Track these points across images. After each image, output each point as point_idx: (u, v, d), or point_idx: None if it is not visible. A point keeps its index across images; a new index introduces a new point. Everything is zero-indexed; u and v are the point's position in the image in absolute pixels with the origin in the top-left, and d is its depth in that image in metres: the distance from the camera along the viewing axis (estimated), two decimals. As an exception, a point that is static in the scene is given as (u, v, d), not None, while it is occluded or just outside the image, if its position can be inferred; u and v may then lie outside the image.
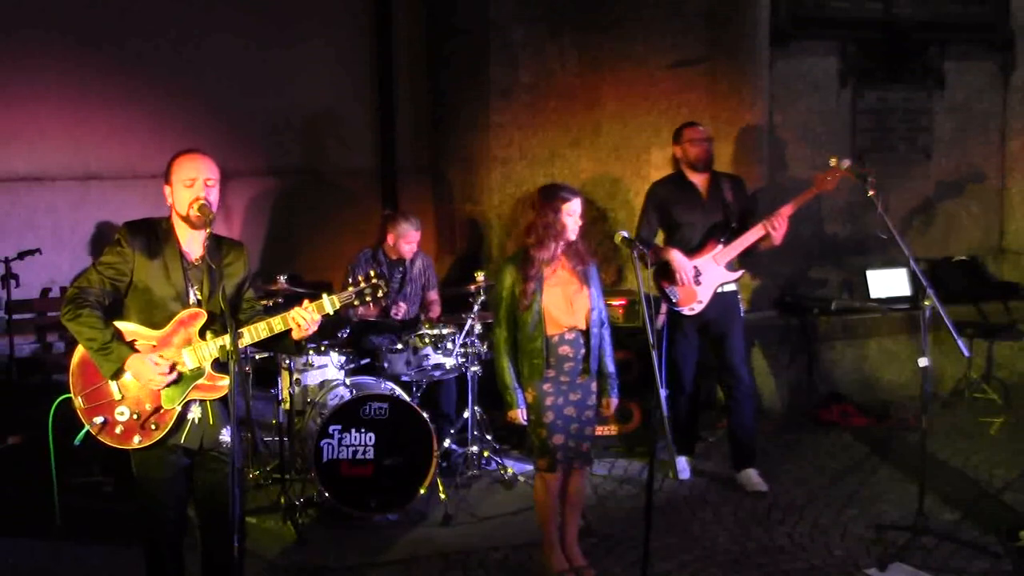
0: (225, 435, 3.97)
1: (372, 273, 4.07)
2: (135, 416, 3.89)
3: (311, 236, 8.03)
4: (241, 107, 7.84)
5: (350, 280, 4.04)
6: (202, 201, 3.87)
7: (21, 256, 6.80)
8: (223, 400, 3.98)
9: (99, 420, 3.89)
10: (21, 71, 7.22)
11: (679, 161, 6.17)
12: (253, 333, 3.94)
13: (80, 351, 3.92)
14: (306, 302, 3.96)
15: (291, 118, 8.09)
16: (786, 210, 5.85)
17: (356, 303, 4.03)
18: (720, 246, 5.98)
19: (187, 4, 7.68)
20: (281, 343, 4.07)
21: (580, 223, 4.75)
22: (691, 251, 6.00)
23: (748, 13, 7.61)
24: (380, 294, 4.03)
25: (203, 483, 4.05)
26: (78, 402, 3.92)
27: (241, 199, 7.94)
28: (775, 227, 5.83)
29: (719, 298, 6.01)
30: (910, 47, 8.39)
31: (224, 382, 3.93)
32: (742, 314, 6.22)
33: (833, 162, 5.71)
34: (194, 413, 3.96)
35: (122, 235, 3.92)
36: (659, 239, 6.25)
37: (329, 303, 3.95)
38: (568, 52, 7.74)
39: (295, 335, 3.98)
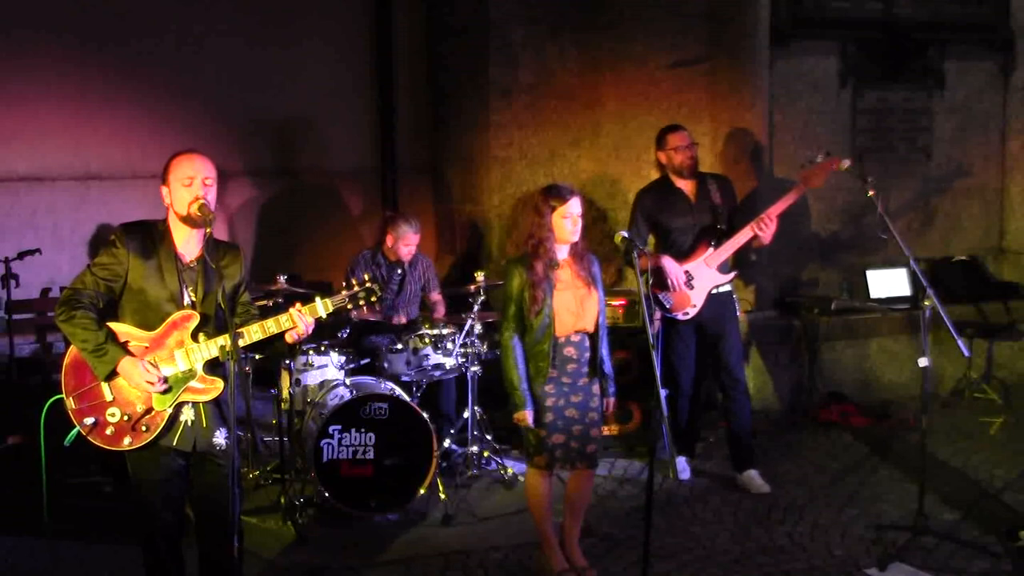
0: (219, 437, 3.96)
1: (367, 277, 4.07)
2: (126, 417, 3.90)
3: (310, 236, 8.03)
4: (241, 107, 7.83)
5: (343, 302, 4.03)
6: (201, 200, 3.87)
7: (21, 256, 6.79)
8: (216, 402, 3.98)
9: (90, 421, 3.90)
10: (21, 71, 7.22)
11: (663, 167, 6.11)
12: (246, 335, 3.93)
13: (72, 352, 3.92)
14: (299, 305, 3.96)
15: (291, 118, 8.09)
16: (774, 210, 5.83)
17: (349, 306, 4.02)
18: (711, 249, 5.95)
19: (187, 4, 7.68)
20: (273, 346, 4.07)
21: (581, 223, 4.73)
22: (682, 256, 5.98)
23: (748, 13, 7.60)
24: (373, 298, 4.03)
25: (199, 485, 4.05)
26: (69, 403, 3.92)
27: (241, 198, 7.94)
28: (762, 228, 5.80)
29: (714, 299, 5.99)
30: (910, 47, 8.39)
31: (216, 384, 3.93)
32: (738, 314, 6.20)
33: (819, 158, 5.68)
34: (186, 415, 3.95)
35: (117, 236, 3.92)
36: (650, 244, 6.22)
37: (322, 306, 3.96)
38: (568, 52, 7.74)
39: (288, 338, 3.98)
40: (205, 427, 3.96)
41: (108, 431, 3.90)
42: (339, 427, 5.54)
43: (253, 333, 3.93)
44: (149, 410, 3.90)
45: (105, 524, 5.39)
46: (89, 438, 3.92)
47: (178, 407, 3.93)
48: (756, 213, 6.12)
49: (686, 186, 6.05)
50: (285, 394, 6.04)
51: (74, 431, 3.94)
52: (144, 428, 3.90)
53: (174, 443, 3.94)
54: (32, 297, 7.16)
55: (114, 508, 5.53)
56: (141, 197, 7.17)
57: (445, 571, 5.04)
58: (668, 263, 5.91)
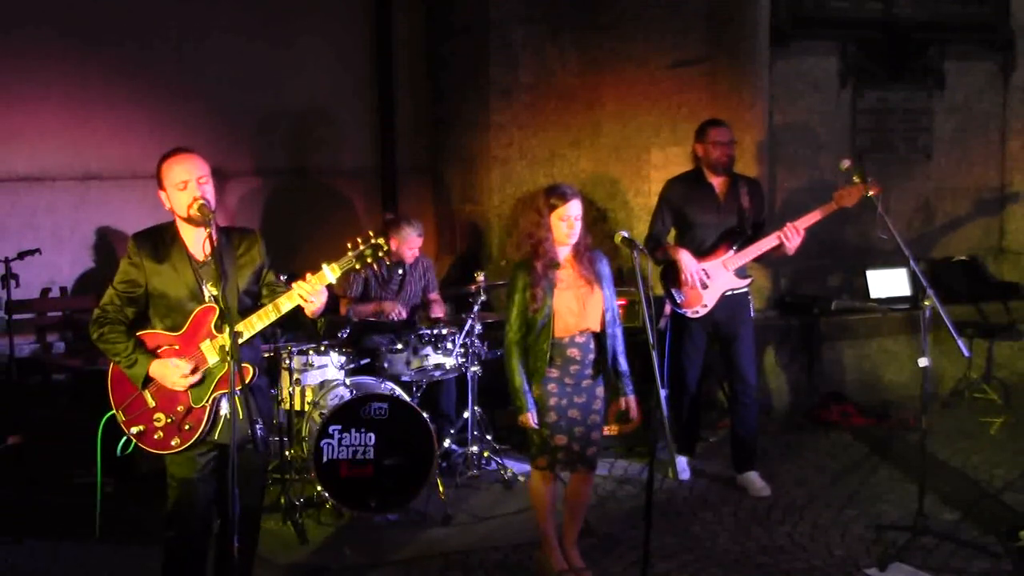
0: (257, 428, 4.00)
1: (370, 232, 4.05)
2: (170, 420, 3.98)
3: (311, 235, 8.01)
4: (241, 107, 7.83)
5: (351, 263, 4.02)
6: (200, 201, 3.90)
7: (21, 256, 6.79)
8: (250, 393, 4.00)
9: (137, 429, 4.00)
10: (22, 71, 7.21)
11: (699, 159, 6.03)
12: (263, 318, 3.97)
13: (113, 366, 4.04)
14: (308, 275, 3.96)
15: (291, 118, 8.09)
16: (803, 222, 5.77)
17: (358, 266, 3.99)
18: (732, 252, 5.90)
19: (187, 4, 7.67)
20: (298, 321, 4.12)
21: (579, 225, 4.71)
22: (702, 253, 5.92)
23: (748, 13, 7.60)
24: (380, 254, 4.01)
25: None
26: (119, 415, 4.04)
27: (241, 198, 7.94)
28: (789, 237, 5.74)
29: (728, 299, 5.94)
30: (910, 47, 8.39)
31: (247, 372, 3.96)
32: (752, 316, 6.13)
33: (857, 181, 5.58)
34: (225, 409, 4.00)
35: (130, 247, 4.01)
36: (671, 236, 6.18)
37: (330, 272, 3.95)
38: (568, 52, 7.74)
39: (307, 311, 4.00)
40: (242, 419, 3.98)
41: (157, 436, 3.99)
42: (339, 427, 5.54)
43: (269, 314, 3.97)
44: (189, 408, 3.97)
45: (107, 524, 5.38)
46: (141, 445, 4.02)
47: (216, 401, 3.99)
48: (765, 220, 6.10)
49: (718, 183, 5.98)
50: (285, 394, 6.04)
51: (124, 440, 4.08)
52: (188, 427, 3.97)
53: (216, 437, 4.01)
54: (32, 297, 7.15)
55: (116, 508, 5.53)
56: (141, 197, 7.16)
57: (445, 571, 5.04)
58: (686, 258, 5.84)
